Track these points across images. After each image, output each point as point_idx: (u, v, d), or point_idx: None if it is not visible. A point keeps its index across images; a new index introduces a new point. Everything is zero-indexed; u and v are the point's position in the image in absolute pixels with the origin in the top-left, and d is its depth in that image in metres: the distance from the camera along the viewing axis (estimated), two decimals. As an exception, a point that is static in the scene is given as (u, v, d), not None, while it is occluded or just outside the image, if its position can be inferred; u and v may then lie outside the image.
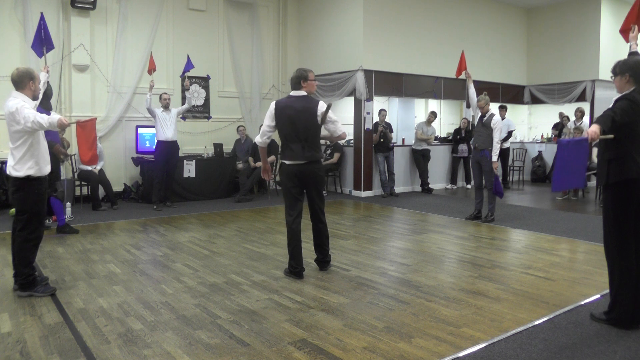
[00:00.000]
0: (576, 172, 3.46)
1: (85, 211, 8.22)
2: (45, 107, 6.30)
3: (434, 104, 13.67)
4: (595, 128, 3.25)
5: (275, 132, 4.81)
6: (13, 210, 7.98)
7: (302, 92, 4.71)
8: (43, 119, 4.05)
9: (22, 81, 4.22)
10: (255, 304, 4.07)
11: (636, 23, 4.14)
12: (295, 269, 4.74)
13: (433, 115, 11.22)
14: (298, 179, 4.69)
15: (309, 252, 5.74)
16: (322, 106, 4.65)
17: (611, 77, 3.67)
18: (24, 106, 4.07)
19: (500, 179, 7.59)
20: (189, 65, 9.00)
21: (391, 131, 10.44)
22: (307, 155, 4.66)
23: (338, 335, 3.46)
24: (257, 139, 4.78)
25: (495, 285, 4.56)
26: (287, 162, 4.72)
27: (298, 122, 4.62)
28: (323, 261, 4.99)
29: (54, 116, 4.15)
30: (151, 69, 8.68)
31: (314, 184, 4.75)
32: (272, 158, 9.97)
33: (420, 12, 11.01)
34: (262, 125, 4.87)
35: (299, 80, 4.73)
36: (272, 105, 4.72)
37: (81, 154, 5.18)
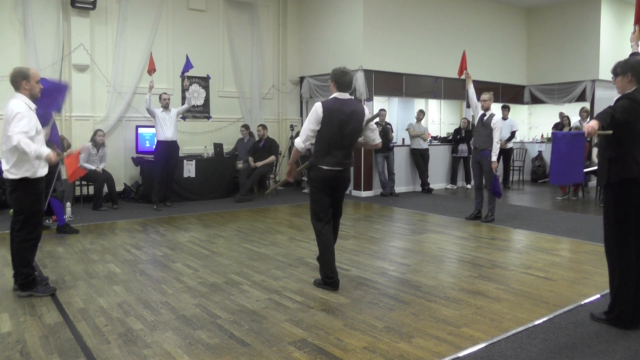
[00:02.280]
0: (574, 166, 3.45)
1: (86, 211, 8.22)
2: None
3: (434, 104, 13.68)
4: (593, 123, 3.28)
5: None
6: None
7: (348, 95, 4.41)
8: (29, 147, 3.98)
9: (16, 81, 4.21)
10: (255, 304, 4.07)
11: (637, 22, 4.13)
12: (331, 279, 4.41)
13: (421, 113, 11.24)
14: (333, 184, 4.42)
15: (309, 252, 5.74)
16: (367, 111, 4.47)
17: (612, 77, 3.66)
18: (22, 120, 4.00)
19: (500, 179, 7.60)
20: (188, 66, 8.99)
21: (391, 131, 10.44)
22: (345, 162, 4.41)
23: (338, 335, 3.46)
24: (299, 143, 4.34)
25: (495, 285, 4.56)
26: (324, 167, 4.34)
27: (346, 128, 4.31)
28: (330, 281, 4.60)
29: (44, 150, 4.11)
30: (151, 70, 8.66)
31: (344, 189, 4.56)
32: (272, 158, 9.96)
33: (420, 12, 11.01)
34: (299, 131, 4.79)
35: (349, 83, 4.42)
36: (319, 107, 4.26)
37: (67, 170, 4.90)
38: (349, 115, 4.31)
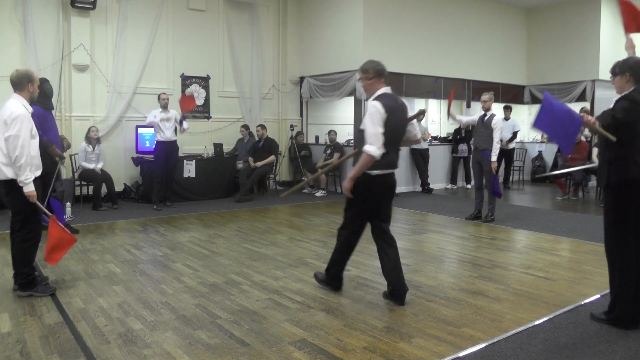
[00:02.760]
0: (564, 134, 3.34)
1: (86, 211, 8.22)
2: (46, 107, 6.29)
3: (434, 104, 13.69)
4: (592, 119, 3.38)
5: None
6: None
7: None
8: (26, 167, 4.01)
9: (21, 83, 4.20)
10: (255, 304, 4.07)
11: (627, 31, 4.15)
12: (336, 281, 4.31)
13: (421, 113, 11.22)
14: (384, 191, 4.01)
15: (309, 252, 5.74)
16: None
17: (610, 77, 3.66)
18: (22, 126, 3.99)
19: (501, 179, 7.59)
20: (186, 105, 8.69)
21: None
22: (396, 163, 4.05)
23: (338, 335, 3.46)
24: (375, 152, 3.72)
25: (495, 285, 4.56)
26: (376, 171, 3.87)
27: (402, 125, 3.98)
28: (402, 290, 4.06)
29: (31, 185, 4.09)
30: (186, 109, 8.54)
31: (392, 195, 4.14)
32: (272, 158, 9.96)
33: (420, 12, 11.01)
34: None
35: (384, 73, 3.99)
36: (380, 107, 3.77)
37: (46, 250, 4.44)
38: (403, 111, 3.98)
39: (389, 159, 3.90)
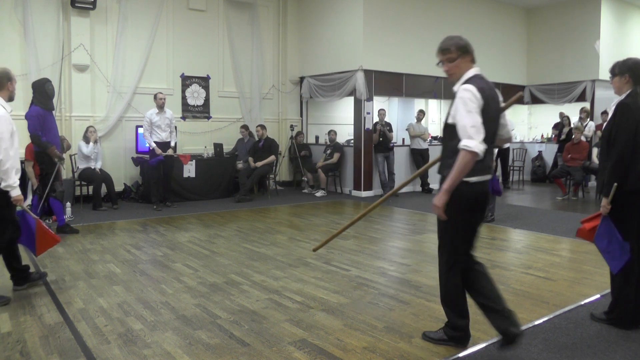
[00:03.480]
0: (616, 248, 3.51)
1: (85, 211, 8.22)
2: (46, 107, 6.28)
3: (434, 104, 13.68)
4: (604, 202, 3.47)
5: None
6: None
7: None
8: (12, 170, 3.93)
9: (1, 82, 4.15)
10: (255, 304, 4.07)
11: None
12: (464, 331, 3.29)
13: (422, 113, 11.24)
14: (482, 202, 3.14)
15: (309, 252, 5.74)
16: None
17: (609, 77, 3.66)
18: (3, 128, 3.92)
19: (500, 179, 7.59)
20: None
21: (390, 131, 10.44)
22: (492, 166, 3.25)
23: (338, 335, 3.46)
24: (475, 145, 2.86)
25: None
26: (474, 178, 3.02)
27: (498, 118, 3.14)
28: (513, 334, 3.03)
29: (18, 190, 4.03)
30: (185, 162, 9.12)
31: (485, 206, 3.22)
32: (271, 158, 9.96)
33: (420, 12, 11.01)
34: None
35: (470, 50, 3.21)
36: (474, 90, 2.96)
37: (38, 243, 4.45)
38: (497, 100, 3.13)
39: (483, 162, 3.03)
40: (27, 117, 6.19)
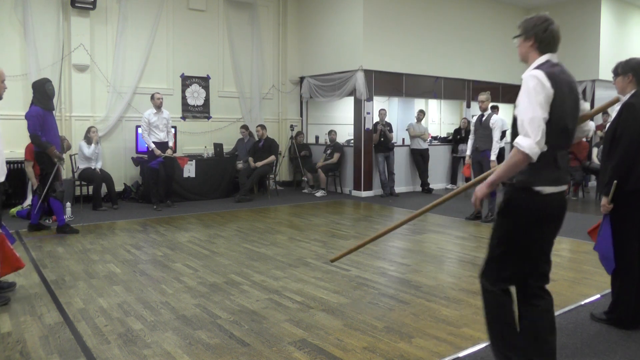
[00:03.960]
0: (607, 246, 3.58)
1: (85, 211, 8.22)
2: (46, 107, 6.28)
3: (434, 104, 13.68)
4: (604, 201, 3.48)
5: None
6: (14, 210, 8.01)
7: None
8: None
9: None
10: (255, 304, 4.07)
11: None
12: None
13: (422, 113, 11.24)
14: (555, 218, 2.73)
15: (309, 252, 5.73)
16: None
17: (612, 77, 3.65)
18: None
19: None
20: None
21: (391, 131, 10.44)
22: (568, 172, 2.74)
23: (338, 335, 3.46)
24: (529, 145, 2.39)
25: (495, 285, 4.55)
26: (549, 189, 2.56)
27: (575, 113, 2.63)
28: None
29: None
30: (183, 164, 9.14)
31: (560, 225, 2.82)
32: (271, 158, 9.96)
33: (420, 12, 11.01)
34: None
35: (558, 38, 2.73)
36: (541, 76, 2.47)
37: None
38: (575, 92, 2.64)
39: (557, 169, 2.57)
40: (26, 117, 6.19)
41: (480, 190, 2.68)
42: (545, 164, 2.50)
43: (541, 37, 2.64)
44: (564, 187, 2.64)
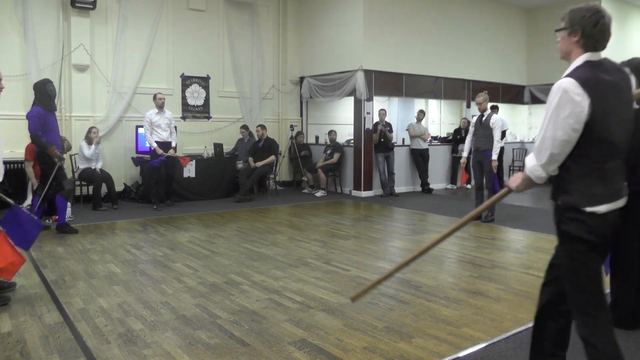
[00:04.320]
0: None
1: (86, 211, 8.22)
2: (48, 107, 6.29)
3: (434, 104, 13.69)
4: None
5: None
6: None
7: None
8: None
9: None
10: (255, 304, 4.07)
11: None
12: None
13: (422, 113, 11.24)
14: (608, 239, 2.30)
15: (310, 252, 5.73)
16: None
17: None
18: None
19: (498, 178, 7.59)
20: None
21: (391, 131, 10.44)
22: (625, 187, 2.36)
23: (338, 335, 3.46)
24: (533, 169, 2.29)
25: (495, 285, 4.56)
26: (603, 207, 2.21)
27: (628, 115, 2.32)
28: None
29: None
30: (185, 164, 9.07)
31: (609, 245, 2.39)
32: (271, 158, 9.96)
33: (420, 12, 11.01)
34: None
35: (608, 34, 2.26)
36: (573, 87, 2.15)
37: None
38: (627, 91, 2.30)
39: (612, 183, 2.25)
40: (28, 116, 6.21)
41: (514, 181, 2.45)
42: (593, 180, 2.18)
43: (589, 32, 2.23)
44: (620, 203, 2.27)
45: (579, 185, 2.21)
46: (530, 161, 2.29)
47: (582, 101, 2.13)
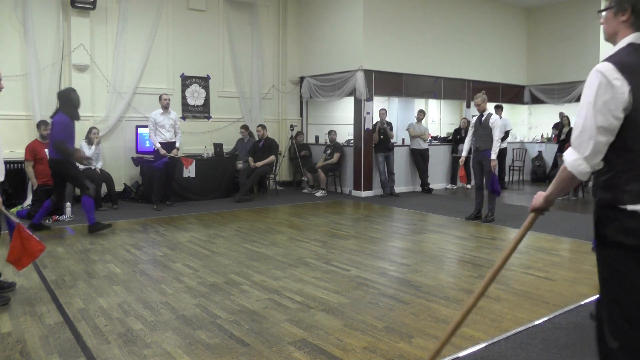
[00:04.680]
0: None
1: (85, 211, 8.22)
2: (73, 117, 6.36)
3: (434, 104, 13.69)
4: None
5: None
6: (14, 210, 8.00)
7: None
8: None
9: None
10: (255, 304, 4.07)
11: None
12: None
13: (422, 113, 11.24)
14: None
15: (309, 252, 5.73)
16: None
17: None
18: None
19: (497, 179, 7.59)
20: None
21: (391, 129, 10.45)
22: None
23: (338, 335, 3.46)
24: (574, 162, 2.03)
25: (495, 285, 4.55)
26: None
27: None
28: None
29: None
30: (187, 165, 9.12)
31: None
32: (271, 158, 9.95)
33: (420, 12, 11.02)
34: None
35: None
36: (610, 71, 1.95)
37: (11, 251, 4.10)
38: None
39: None
40: (55, 121, 6.32)
41: (536, 199, 2.37)
42: (636, 176, 1.95)
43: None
44: None
45: (620, 181, 1.97)
46: (571, 155, 2.03)
47: (621, 86, 1.92)
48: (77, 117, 6.52)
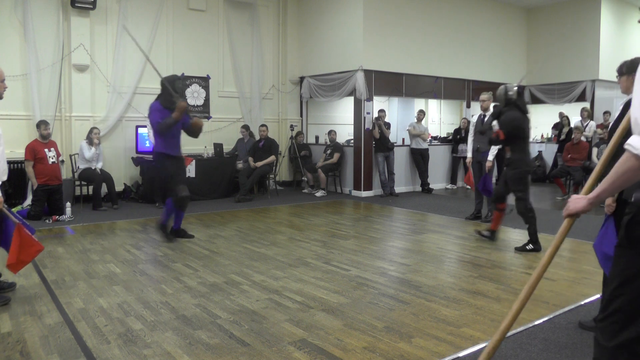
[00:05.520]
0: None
1: (85, 211, 8.22)
2: (166, 105, 6.11)
3: (434, 104, 13.69)
4: (610, 201, 3.25)
5: None
6: (14, 210, 8.00)
7: None
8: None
9: None
10: (255, 304, 4.07)
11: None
12: None
13: (422, 113, 11.24)
14: None
15: (309, 252, 5.73)
16: None
17: (617, 76, 3.62)
18: None
19: (494, 180, 7.57)
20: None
21: (388, 128, 10.44)
22: None
23: (338, 335, 3.46)
24: None
25: (495, 285, 4.56)
26: None
27: None
28: None
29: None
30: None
31: None
32: (272, 158, 9.95)
33: (420, 12, 11.02)
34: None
35: None
36: None
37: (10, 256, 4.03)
38: None
39: None
40: (151, 109, 6.20)
41: (576, 203, 2.03)
42: None
43: None
44: None
45: None
46: (638, 141, 1.74)
47: None
48: (170, 106, 6.09)
